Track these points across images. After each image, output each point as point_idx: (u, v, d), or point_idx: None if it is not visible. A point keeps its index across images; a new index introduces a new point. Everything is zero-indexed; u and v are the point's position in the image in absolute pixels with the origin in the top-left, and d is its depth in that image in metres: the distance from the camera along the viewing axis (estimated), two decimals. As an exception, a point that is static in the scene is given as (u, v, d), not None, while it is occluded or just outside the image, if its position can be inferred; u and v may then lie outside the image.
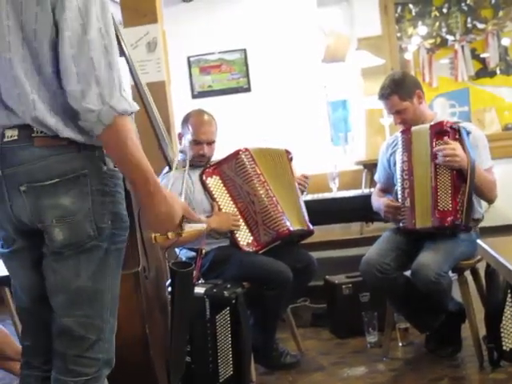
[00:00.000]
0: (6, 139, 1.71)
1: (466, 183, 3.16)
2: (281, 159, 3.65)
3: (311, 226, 3.62)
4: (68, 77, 1.62)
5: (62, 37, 1.62)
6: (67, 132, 1.68)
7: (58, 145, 1.70)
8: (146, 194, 1.72)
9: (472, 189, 3.18)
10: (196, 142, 3.47)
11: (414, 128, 3.36)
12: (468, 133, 3.27)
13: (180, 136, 3.57)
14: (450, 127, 3.23)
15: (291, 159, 3.70)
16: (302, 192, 3.73)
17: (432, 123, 3.31)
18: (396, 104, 3.41)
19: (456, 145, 3.18)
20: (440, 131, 3.24)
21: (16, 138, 1.71)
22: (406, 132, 3.36)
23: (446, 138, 3.22)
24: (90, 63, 1.61)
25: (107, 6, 1.68)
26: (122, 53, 2.13)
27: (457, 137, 3.22)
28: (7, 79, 1.70)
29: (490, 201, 3.39)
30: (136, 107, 1.70)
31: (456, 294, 3.38)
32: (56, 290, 1.76)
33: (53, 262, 1.75)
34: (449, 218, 3.19)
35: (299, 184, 3.68)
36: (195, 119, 3.50)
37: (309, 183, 3.77)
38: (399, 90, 3.40)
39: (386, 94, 3.42)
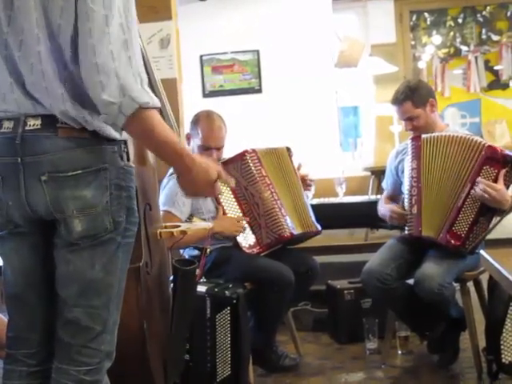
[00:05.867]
0: (27, 127, 1.71)
1: (491, 215, 3.14)
2: (283, 158, 3.64)
3: (319, 227, 3.61)
4: (87, 67, 1.62)
5: (83, 28, 1.62)
6: (95, 124, 1.69)
7: (82, 137, 1.71)
8: (184, 169, 1.81)
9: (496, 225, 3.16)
10: (205, 148, 3.45)
11: (424, 136, 3.33)
12: None
13: (188, 137, 3.55)
14: (504, 158, 3.12)
15: (291, 156, 3.68)
16: (308, 188, 3.72)
17: (489, 144, 3.17)
18: (409, 110, 3.40)
19: (501, 186, 3.08)
20: (492, 158, 3.13)
21: (39, 126, 1.71)
22: (417, 139, 3.35)
23: (497, 168, 3.10)
24: (110, 55, 1.61)
25: (132, 1, 1.68)
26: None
27: (507, 170, 3.12)
28: (35, 72, 1.69)
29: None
30: (158, 103, 1.70)
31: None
32: (68, 281, 1.77)
33: (67, 253, 1.75)
34: (456, 243, 3.16)
35: (303, 182, 3.68)
36: (205, 125, 3.46)
37: (315, 186, 3.77)
38: (413, 96, 3.39)
39: (400, 99, 3.41)
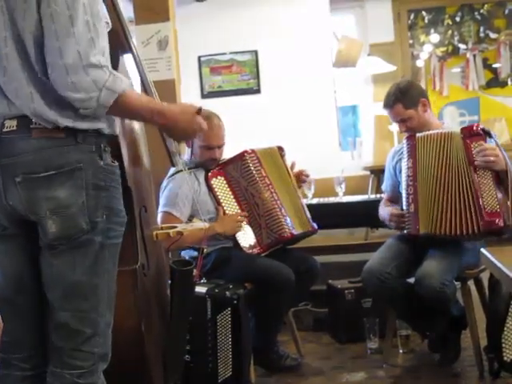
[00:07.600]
0: (5, 129, 1.72)
1: (505, 182, 3.11)
2: (277, 158, 3.64)
3: (315, 226, 3.61)
4: (56, 69, 1.64)
5: (48, 30, 1.63)
6: (66, 122, 1.70)
7: (56, 137, 1.72)
8: (167, 122, 1.87)
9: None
10: (207, 147, 3.45)
11: (419, 134, 3.33)
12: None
13: (189, 138, 3.55)
14: (482, 130, 3.19)
15: (283, 156, 3.68)
16: (301, 185, 3.72)
17: (462, 126, 3.26)
18: (400, 112, 3.41)
19: (495, 146, 3.14)
20: (474, 134, 3.19)
21: (15, 128, 1.72)
22: (411, 138, 3.34)
23: (481, 140, 3.16)
24: (77, 56, 1.62)
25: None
26: (130, 49, 2.12)
27: (489, 139, 3.19)
28: (6, 73, 1.71)
29: None
30: (128, 82, 1.74)
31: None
32: (52, 284, 1.77)
33: (49, 257, 1.76)
34: (498, 220, 3.09)
35: (301, 180, 3.67)
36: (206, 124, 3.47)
37: (315, 185, 3.76)
38: (403, 98, 3.39)
39: (390, 102, 3.42)
